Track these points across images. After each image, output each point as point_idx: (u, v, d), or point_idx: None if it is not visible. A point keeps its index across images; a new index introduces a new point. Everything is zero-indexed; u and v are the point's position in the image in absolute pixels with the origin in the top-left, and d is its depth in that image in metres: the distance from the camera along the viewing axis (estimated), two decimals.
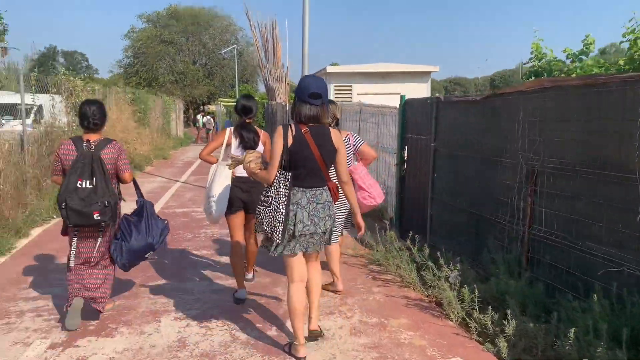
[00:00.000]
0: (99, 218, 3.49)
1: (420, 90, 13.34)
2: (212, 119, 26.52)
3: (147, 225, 3.79)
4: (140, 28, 43.02)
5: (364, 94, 13.21)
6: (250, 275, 4.71)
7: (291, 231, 3.05)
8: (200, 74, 42.94)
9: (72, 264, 3.71)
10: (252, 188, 4.12)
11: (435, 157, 5.61)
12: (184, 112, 35.02)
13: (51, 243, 6.04)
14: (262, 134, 4.28)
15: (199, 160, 6.29)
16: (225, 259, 5.46)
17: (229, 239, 4.43)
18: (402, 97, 6.44)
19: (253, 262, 4.68)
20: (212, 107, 33.38)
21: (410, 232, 4.88)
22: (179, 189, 10.38)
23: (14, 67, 18.19)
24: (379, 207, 5.95)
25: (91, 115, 3.63)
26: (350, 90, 14.04)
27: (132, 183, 3.87)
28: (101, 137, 3.69)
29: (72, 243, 3.70)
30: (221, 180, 4.10)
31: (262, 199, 3.10)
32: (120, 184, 3.82)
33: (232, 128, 4.23)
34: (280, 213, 3.00)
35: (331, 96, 13.52)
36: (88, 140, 3.62)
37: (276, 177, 3.05)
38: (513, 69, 61.07)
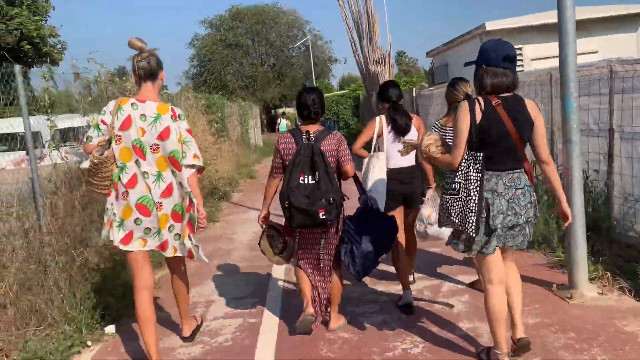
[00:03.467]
0: (324, 217, 3.16)
1: (627, 44, 8.89)
2: (289, 122, 23.53)
3: (376, 225, 3.45)
4: (203, 34, 41.16)
5: (539, 58, 8.97)
6: (411, 278, 4.36)
7: (488, 224, 2.70)
8: (270, 76, 40.46)
9: (299, 265, 3.54)
10: (412, 179, 3.98)
11: None
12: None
13: None
14: (415, 118, 4.03)
15: None
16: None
17: None
18: None
19: (413, 262, 4.39)
20: (288, 110, 30.28)
21: None
22: None
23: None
24: None
25: (312, 104, 3.42)
26: (520, 54, 9.80)
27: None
28: (319, 128, 3.42)
29: (297, 244, 3.51)
30: (376, 173, 3.84)
31: (448, 186, 2.80)
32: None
33: (383, 116, 3.98)
34: (473, 201, 2.67)
35: None
36: (307, 132, 3.36)
37: (463, 160, 2.74)
38: None
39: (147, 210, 3.10)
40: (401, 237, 3.92)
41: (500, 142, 2.69)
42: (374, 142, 3.95)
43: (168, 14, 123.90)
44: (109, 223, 3.15)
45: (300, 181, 3.23)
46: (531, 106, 2.76)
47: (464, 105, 2.74)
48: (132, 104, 3.09)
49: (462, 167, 2.74)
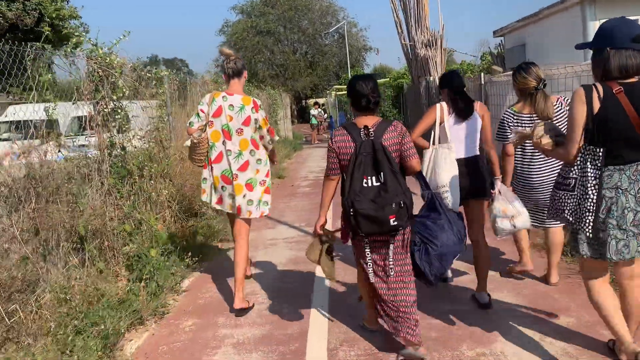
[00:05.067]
0: (395, 223, 2.82)
1: None
2: (322, 112, 21.84)
3: (448, 220, 3.16)
4: (234, 21, 39.91)
5: None
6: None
7: (611, 225, 2.47)
8: (301, 64, 38.96)
9: (372, 279, 3.08)
10: (474, 170, 3.71)
11: None
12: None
13: None
14: (478, 104, 3.78)
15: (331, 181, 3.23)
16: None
17: None
18: None
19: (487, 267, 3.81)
20: (320, 100, 28.59)
21: None
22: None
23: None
24: None
25: (370, 92, 3.01)
26: None
27: None
28: (378, 120, 3.03)
29: (366, 255, 3.05)
30: (447, 166, 3.57)
31: (562, 180, 2.65)
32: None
33: (444, 102, 3.75)
34: (590, 199, 2.50)
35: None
36: (366, 127, 2.96)
37: (580, 154, 2.56)
38: None
39: (229, 180, 3.94)
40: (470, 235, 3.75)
41: (622, 134, 2.46)
42: (436, 131, 3.71)
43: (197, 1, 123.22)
44: (204, 190, 4.06)
45: (364, 184, 2.90)
46: None
47: (579, 94, 2.53)
48: (222, 97, 3.91)
49: (579, 162, 2.57)
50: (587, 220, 2.49)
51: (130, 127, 5.06)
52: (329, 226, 3.44)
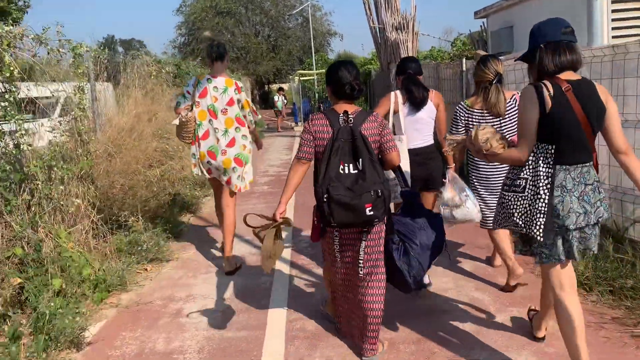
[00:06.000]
0: (371, 213, 2.67)
1: None
2: (284, 98, 20.78)
3: (427, 220, 3.09)
4: (192, 1, 37.81)
5: None
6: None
7: (557, 225, 2.43)
8: (264, 48, 37.42)
9: (338, 281, 3.03)
10: (430, 160, 3.78)
11: None
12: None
13: None
14: (434, 93, 3.80)
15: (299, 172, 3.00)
16: None
17: None
18: None
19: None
20: (285, 85, 27.36)
21: None
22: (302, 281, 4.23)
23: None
24: None
25: (354, 79, 2.90)
26: None
27: None
28: (358, 109, 2.92)
29: (335, 248, 2.92)
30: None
31: (511, 182, 2.55)
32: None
33: (398, 91, 3.78)
34: (542, 200, 2.43)
35: (605, 36, 6.70)
36: (346, 112, 2.86)
37: (532, 154, 2.48)
38: None
39: (214, 155, 4.36)
40: None
41: (571, 133, 2.42)
42: (389, 120, 3.69)
43: None
44: (194, 164, 4.51)
45: (340, 171, 2.75)
46: (602, 91, 2.47)
47: (530, 92, 2.45)
48: (207, 79, 4.36)
49: (530, 162, 2.49)
50: (539, 223, 2.43)
51: (23, 117, 3.83)
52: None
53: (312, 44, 27.86)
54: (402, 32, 11.36)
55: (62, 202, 4.26)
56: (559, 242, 2.46)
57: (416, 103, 3.66)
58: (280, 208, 2.88)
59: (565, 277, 2.54)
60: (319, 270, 4.40)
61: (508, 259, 3.65)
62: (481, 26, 13.03)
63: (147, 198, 5.59)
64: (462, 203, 3.50)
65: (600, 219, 2.49)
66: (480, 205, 3.61)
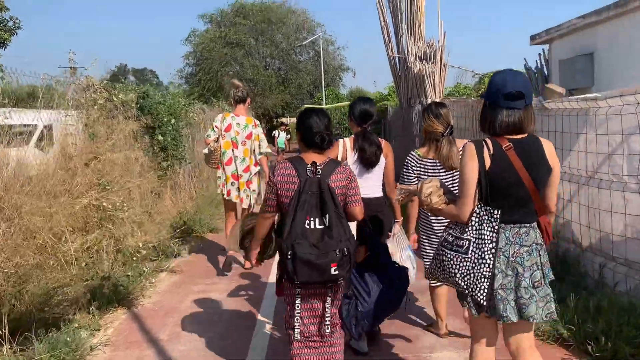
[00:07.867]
0: (336, 272, 2.60)
1: None
2: (287, 134, 19.42)
3: (385, 273, 3.17)
4: (202, 30, 36.96)
5: None
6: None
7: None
8: (273, 80, 36.18)
9: (297, 337, 2.82)
10: (379, 212, 3.69)
11: None
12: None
13: None
14: (383, 143, 3.76)
15: None
16: None
17: None
18: None
19: None
20: (290, 121, 25.80)
21: None
22: None
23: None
24: None
25: (324, 129, 2.84)
26: None
27: None
28: (327, 159, 2.85)
29: (295, 307, 2.79)
30: None
31: (451, 240, 2.46)
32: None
33: (348, 139, 3.75)
34: (487, 265, 2.35)
35: None
36: (314, 162, 2.77)
37: (475, 214, 2.41)
38: None
39: (237, 177, 5.60)
40: None
41: (511, 192, 2.39)
42: None
43: (164, 7, 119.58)
44: (220, 185, 5.66)
45: (306, 225, 2.67)
46: (548, 148, 2.45)
47: (470, 150, 2.43)
48: (231, 117, 5.62)
49: (474, 222, 2.41)
50: (483, 287, 2.35)
51: None
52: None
53: (323, 77, 26.46)
54: (427, 63, 9.52)
55: None
56: (495, 302, 2.38)
57: (368, 163, 3.62)
58: (254, 253, 2.99)
59: (484, 330, 2.52)
60: None
61: (440, 318, 3.71)
62: (540, 54, 10.16)
63: (48, 291, 3.60)
64: (402, 263, 3.53)
65: (535, 284, 2.38)
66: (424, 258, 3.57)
